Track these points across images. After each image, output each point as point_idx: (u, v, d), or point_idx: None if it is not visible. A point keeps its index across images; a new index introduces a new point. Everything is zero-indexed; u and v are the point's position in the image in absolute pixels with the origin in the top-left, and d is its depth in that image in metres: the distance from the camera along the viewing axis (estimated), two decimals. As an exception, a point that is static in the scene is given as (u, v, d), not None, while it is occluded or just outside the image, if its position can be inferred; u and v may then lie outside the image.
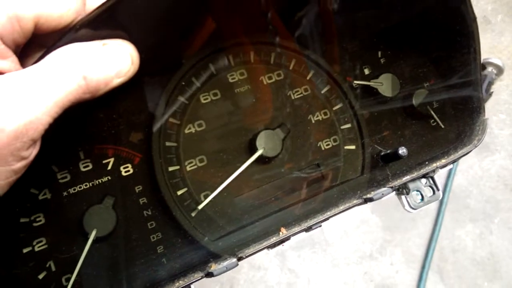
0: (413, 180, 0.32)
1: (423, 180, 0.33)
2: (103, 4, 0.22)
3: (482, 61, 1.35)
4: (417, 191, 0.32)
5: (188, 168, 0.27)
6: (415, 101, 0.31)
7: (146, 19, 0.24)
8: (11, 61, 0.20)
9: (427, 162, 0.31)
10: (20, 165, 0.20)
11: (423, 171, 0.31)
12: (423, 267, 0.97)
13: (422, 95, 0.32)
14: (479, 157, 1.14)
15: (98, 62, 0.21)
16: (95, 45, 0.21)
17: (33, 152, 0.20)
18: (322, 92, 0.31)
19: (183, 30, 0.28)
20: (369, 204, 0.30)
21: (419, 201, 0.32)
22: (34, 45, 0.22)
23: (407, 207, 0.33)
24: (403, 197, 0.33)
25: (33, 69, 0.19)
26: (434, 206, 1.06)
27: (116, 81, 0.22)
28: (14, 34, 0.20)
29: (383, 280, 0.98)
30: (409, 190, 0.32)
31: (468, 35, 0.32)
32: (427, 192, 0.33)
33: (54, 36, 0.21)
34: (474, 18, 0.32)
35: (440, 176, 1.12)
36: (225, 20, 0.28)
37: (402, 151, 0.29)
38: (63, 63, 0.20)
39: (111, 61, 0.22)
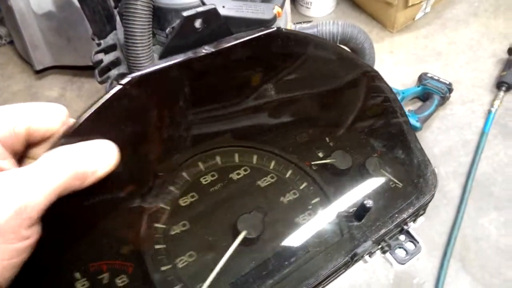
0: (389, 234, 0.34)
1: (402, 237, 0.35)
2: (80, 117, 0.26)
3: (510, 46, 1.27)
4: (400, 247, 0.34)
5: (180, 265, 0.28)
6: (369, 168, 0.35)
7: (120, 134, 0.27)
8: (10, 162, 0.25)
9: (396, 215, 0.34)
10: (22, 245, 0.22)
11: (396, 222, 0.34)
12: (444, 255, 0.96)
13: (374, 163, 0.36)
14: (505, 143, 1.09)
15: (84, 156, 0.25)
16: (80, 144, 0.25)
17: (34, 235, 0.23)
18: (287, 176, 0.34)
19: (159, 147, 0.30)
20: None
21: (405, 255, 0.34)
22: (28, 159, 0.27)
23: (395, 264, 0.34)
24: (388, 256, 0.34)
25: (32, 165, 0.23)
26: (457, 193, 1.04)
27: (102, 171, 0.25)
28: (11, 140, 0.25)
29: (403, 267, 0.98)
30: (391, 246, 0.34)
31: (389, 104, 0.38)
32: (409, 246, 0.35)
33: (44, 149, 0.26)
34: (391, 91, 0.38)
35: (461, 164, 1.08)
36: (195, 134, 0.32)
37: (368, 202, 0.32)
38: (55, 158, 0.24)
39: (95, 155, 0.25)
